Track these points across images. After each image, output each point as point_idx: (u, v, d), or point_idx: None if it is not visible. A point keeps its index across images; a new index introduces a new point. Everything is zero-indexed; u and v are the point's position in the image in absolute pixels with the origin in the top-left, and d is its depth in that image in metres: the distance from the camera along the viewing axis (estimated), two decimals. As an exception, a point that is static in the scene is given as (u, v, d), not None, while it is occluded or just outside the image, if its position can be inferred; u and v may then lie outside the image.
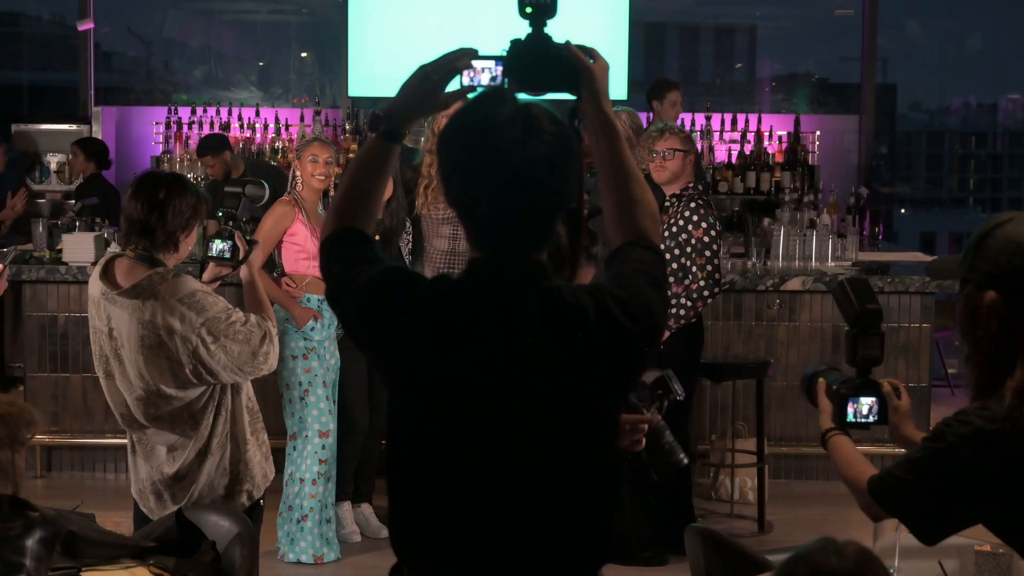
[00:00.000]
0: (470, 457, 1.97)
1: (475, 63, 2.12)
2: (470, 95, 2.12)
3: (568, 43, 2.11)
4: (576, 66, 2.10)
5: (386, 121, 2.16)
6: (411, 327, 1.97)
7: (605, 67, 2.14)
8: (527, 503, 1.97)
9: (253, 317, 3.52)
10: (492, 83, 2.11)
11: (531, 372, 1.94)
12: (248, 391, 3.67)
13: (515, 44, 2.10)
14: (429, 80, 2.13)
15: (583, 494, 2.00)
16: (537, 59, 2.09)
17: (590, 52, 2.13)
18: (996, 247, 2.24)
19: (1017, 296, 2.21)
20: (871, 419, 2.63)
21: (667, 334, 5.22)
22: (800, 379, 2.84)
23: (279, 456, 5.47)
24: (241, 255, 3.65)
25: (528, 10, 2.08)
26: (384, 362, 2.05)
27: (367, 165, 2.18)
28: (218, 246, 3.65)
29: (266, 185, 3.94)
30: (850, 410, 2.63)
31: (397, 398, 2.08)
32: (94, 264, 3.70)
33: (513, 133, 1.94)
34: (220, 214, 3.75)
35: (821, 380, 2.72)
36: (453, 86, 2.15)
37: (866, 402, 2.63)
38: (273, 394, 5.47)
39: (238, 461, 3.59)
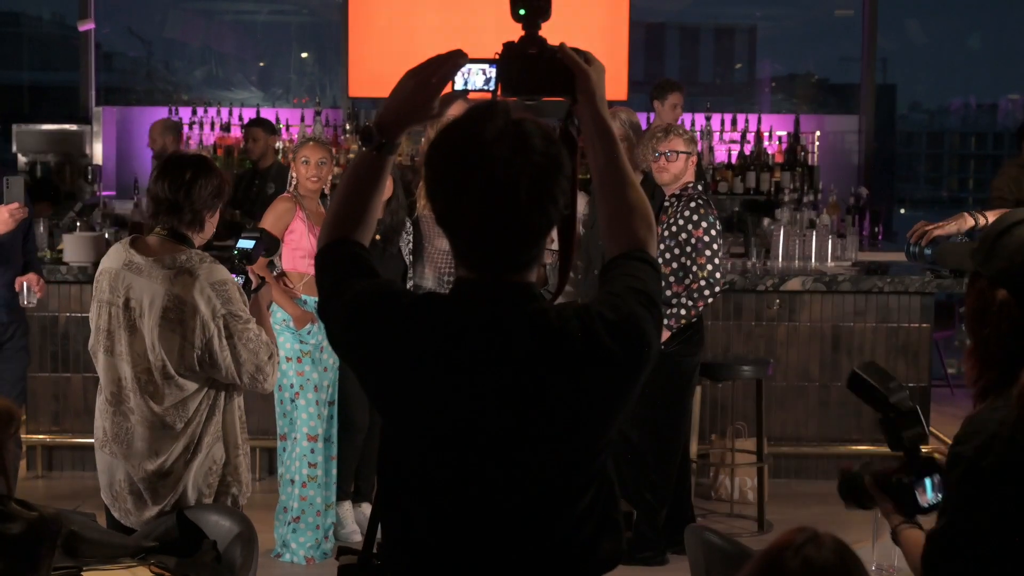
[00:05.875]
0: (455, 479, 1.94)
1: (467, 66, 2.05)
2: (461, 98, 2.07)
3: (563, 45, 2.05)
4: (571, 69, 2.05)
5: (378, 134, 2.10)
6: (394, 347, 1.93)
7: (601, 70, 2.08)
8: (514, 524, 1.94)
9: (265, 335, 3.59)
10: (485, 86, 2.05)
11: (517, 396, 1.89)
12: (239, 400, 3.71)
13: (508, 47, 2.05)
14: (421, 89, 2.06)
15: (572, 515, 1.95)
16: (531, 62, 2.04)
17: (585, 55, 2.08)
18: (1014, 246, 2.20)
19: None
20: (940, 496, 2.42)
21: (667, 334, 5.23)
22: (838, 487, 2.60)
23: (273, 456, 5.50)
24: (254, 285, 3.80)
25: (521, 12, 2.03)
26: (368, 380, 2.01)
27: (361, 177, 2.13)
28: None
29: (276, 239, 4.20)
30: (921, 499, 2.43)
31: (381, 416, 2.04)
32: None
33: (500, 150, 1.86)
34: (235, 252, 3.90)
35: (868, 478, 2.51)
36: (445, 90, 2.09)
37: (930, 482, 2.43)
38: (270, 393, 5.46)
39: (227, 464, 3.61)
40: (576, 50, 2.07)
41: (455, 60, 2.05)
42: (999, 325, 2.19)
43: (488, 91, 2.07)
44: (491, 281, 1.93)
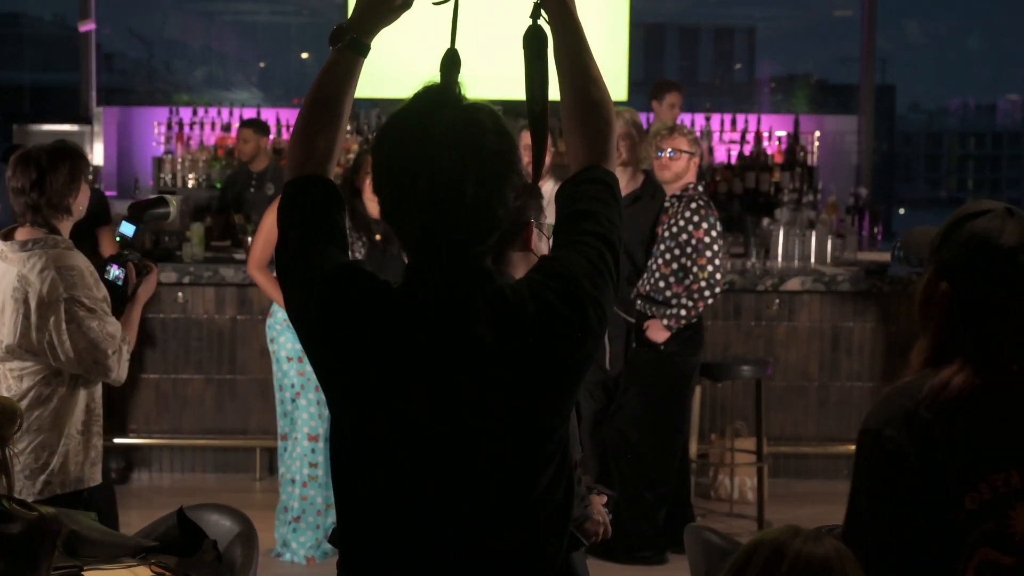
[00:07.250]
0: (420, 463, 1.90)
1: None
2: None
3: None
4: None
5: (349, 31, 2.07)
6: (352, 335, 1.89)
7: None
8: (482, 502, 1.91)
9: (116, 329, 3.62)
10: None
11: (481, 376, 1.87)
12: (94, 392, 3.71)
13: None
14: None
15: (537, 489, 1.92)
16: None
17: None
18: (963, 238, 2.18)
19: (963, 292, 2.14)
20: None
21: (667, 334, 5.24)
22: None
23: (273, 455, 5.51)
24: (131, 289, 3.76)
25: None
26: (322, 364, 1.96)
27: (331, 79, 2.06)
28: (113, 272, 3.77)
29: (171, 202, 3.99)
30: None
31: (334, 404, 1.98)
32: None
33: (448, 150, 1.84)
34: (118, 239, 3.84)
35: None
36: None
37: None
38: (271, 393, 5.48)
39: (45, 450, 3.60)
40: None
41: None
42: (940, 316, 2.14)
43: None
44: (447, 264, 1.90)
